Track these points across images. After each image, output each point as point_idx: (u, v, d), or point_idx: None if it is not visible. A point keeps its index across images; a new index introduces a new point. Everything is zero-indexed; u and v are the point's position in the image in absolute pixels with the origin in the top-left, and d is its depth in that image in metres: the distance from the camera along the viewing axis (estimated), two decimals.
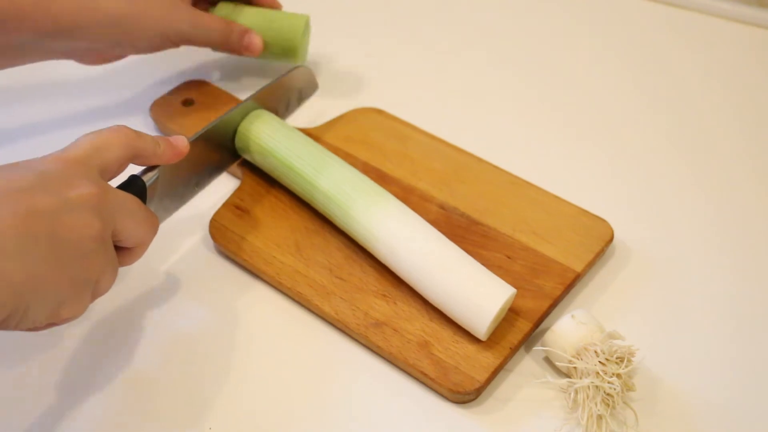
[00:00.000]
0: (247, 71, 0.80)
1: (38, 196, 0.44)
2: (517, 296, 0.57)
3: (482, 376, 0.53)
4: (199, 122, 0.70)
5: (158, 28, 0.67)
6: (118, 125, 0.51)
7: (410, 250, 0.56)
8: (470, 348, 0.55)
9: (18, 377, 0.56)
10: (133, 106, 0.75)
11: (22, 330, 0.45)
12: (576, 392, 0.52)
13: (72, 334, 0.58)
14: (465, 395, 0.53)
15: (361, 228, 0.59)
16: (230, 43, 0.72)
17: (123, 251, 0.52)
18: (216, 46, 0.72)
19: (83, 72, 0.79)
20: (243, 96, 0.74)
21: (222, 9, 0.74)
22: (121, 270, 0.55)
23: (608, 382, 0.51)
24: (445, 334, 0.56)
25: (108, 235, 0.48)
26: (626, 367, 0.51)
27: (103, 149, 0.49)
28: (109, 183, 0.50)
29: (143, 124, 0.74)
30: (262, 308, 0.60)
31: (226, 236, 0.63)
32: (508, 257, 0.60)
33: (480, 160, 0.68)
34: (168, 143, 0.55)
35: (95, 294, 0.49)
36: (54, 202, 0.44)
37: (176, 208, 0.61)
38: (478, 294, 0.54)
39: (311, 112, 0.74)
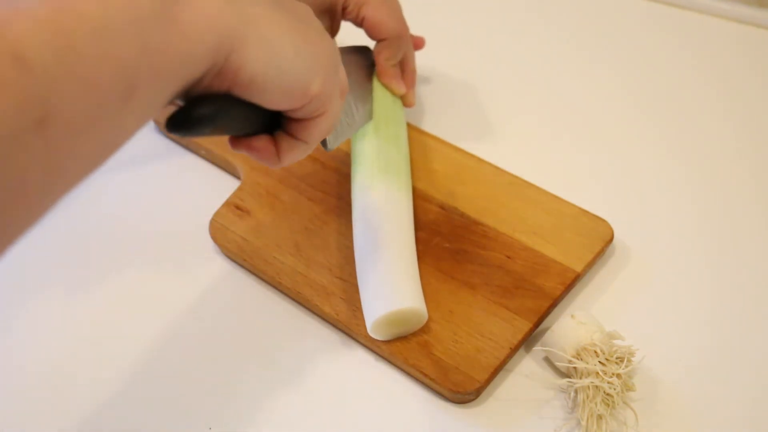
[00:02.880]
0: None
1: None
2: (517, 296, 0.57)
3: (482, 376, 0.53)
4: None
5: None
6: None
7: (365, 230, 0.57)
8: (470, 348, 0.55)
9: None
10: None
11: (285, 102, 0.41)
12: (576, 392, 0.52)
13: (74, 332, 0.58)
14: (465, 395, 0.53)
15: (354, 189, 0.60)
16: None
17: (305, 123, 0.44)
18: None
19: None
20: None
21: None
22: (121, 274, 0.55)
23: (608, 382, 0.51)
24: (445, 334, 0.56)
25: None
26: (626, 367, 0.51)
27: None
28: None
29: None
30: (262, 308, 0.60)
31: (226, 236, 0.63)
32: (508, 257, 0.60)
33: (480, 160, 0.68)
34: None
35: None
36: None
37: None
38: (383, 291, 0.54)
39: None
